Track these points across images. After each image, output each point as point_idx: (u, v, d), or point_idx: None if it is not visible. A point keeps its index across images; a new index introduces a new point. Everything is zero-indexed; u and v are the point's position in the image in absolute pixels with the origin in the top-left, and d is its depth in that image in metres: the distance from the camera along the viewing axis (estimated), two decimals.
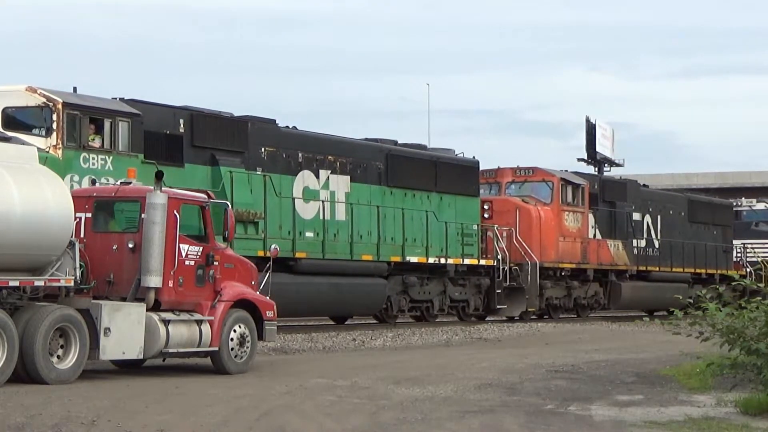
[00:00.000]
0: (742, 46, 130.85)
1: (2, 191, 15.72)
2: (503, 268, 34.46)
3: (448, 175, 33.02)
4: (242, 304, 19.06)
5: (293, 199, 27.75)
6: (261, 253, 25.18)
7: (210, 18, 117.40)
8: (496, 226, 34.91)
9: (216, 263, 18.62)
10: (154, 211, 17.60)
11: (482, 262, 33.98)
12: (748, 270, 46.37)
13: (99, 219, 18.17)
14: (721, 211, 47.89)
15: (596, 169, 51.97)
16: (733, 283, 22.49)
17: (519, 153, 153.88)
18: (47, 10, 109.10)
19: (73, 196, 16.94)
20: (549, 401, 15.82)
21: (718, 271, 45.49)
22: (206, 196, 19.10)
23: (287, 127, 28.61)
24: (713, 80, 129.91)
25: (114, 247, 17.83)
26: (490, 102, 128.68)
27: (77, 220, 17.31)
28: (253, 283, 19.58)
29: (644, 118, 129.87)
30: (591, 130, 52.38)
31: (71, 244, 16.68)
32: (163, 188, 17.89)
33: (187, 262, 18.18)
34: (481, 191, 35.93)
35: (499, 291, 34.37)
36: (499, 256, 34.48)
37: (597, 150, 53.17)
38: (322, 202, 28.65)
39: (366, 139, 31.42)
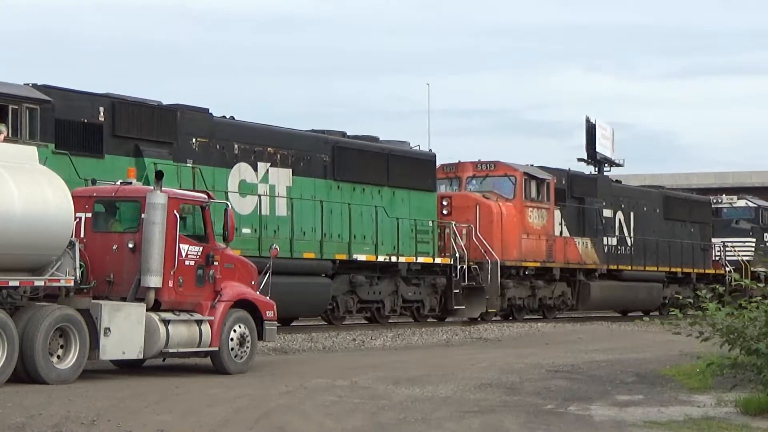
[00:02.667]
0: (741, 47, 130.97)
1: (2, 191, 15.72)
2: (461, 267, 32.64)
3: (402, 168, 31.31)
4: (242, 304, 19.07)
5: (227, 193, 25.82)
6: None
7: (208, 18, 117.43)
8: (453, 222, 33.16)
9: (216, 263, 18.63)
10: (154, 211, 17.60)
11: (438, 260, 32.23)
12: (727, 269, 44.93)
13: (99, 219, 18.17)
14: (698, 207, 46.07)
15: (596, 169, 51.89)
16: (734, 284, 22.43)
17: (518, 153, 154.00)
18: (46, 9, 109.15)
19: (73, 196, 16.94)
20: (549, 401, 15.82)
21: (695, 270, 44.16)
22: (206, 196, 19.12)
23: (224, 117, 27.00)
24: (712, 80, 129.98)
25: (114, 247, 17.83)
26: (489, 102, 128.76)
27: (77, 220, 17.32)
28: (253, 283, 19.60)
29: (643, 118, 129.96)
30: (591, 130, 52.23)
31: (71, 244, 16.68)
32: (163, 188, 17.91)
33: (187, 262, 18.19)
34: (442, 187, 34.62)
35: (456, 291, 32.54)
36: (457, 255, 32.71)
37: (597, 150, 53.03)
38: (260, 196, 26.98)
39: (312, 131, 29.67)
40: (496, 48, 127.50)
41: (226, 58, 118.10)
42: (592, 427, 13.69)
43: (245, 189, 26.76)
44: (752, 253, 46.84)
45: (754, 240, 47.79)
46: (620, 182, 44.33)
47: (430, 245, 32.20)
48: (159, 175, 18.26)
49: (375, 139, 31.47)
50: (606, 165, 51.97)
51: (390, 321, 31.51)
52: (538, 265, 35.91)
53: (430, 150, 33.32)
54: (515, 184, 35.25)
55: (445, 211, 33.73)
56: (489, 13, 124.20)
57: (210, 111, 26.50)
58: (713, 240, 46.56)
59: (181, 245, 18.05)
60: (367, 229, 29.97)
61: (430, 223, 32.32)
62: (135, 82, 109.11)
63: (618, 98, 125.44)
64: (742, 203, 49.43)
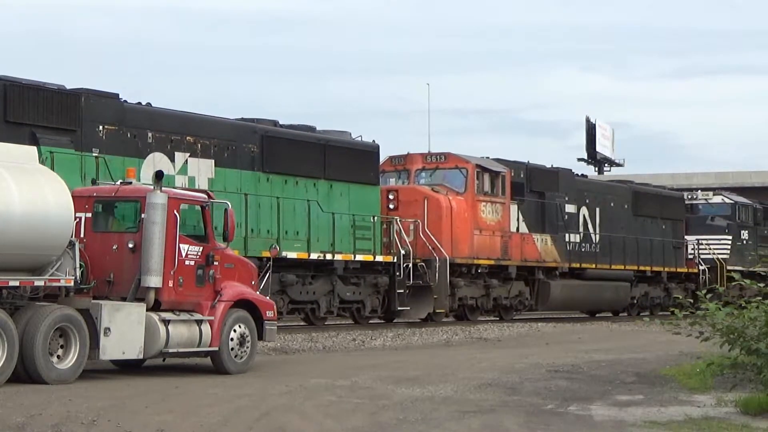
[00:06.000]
0: (739, 47, 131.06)
1: (2, 191, 15.72)
2: (406, 265, 30.85)
3: (341, 160, 29.29)
4: (242, 304, 19.07)
5: None
6: None
7: (208, 18, 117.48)
8: (397, 218, 31.36)
9: (216, 263, 18.63)
10: (154, 211, 17.60)
11: (379, 258, 30.25)
12: (701, 268, 43.83)
13: (99, 219, 18.18)
14: (671, 203, 44.21)
15: (596, 169, 51.79)
16: (733, 283, 22.32)
17: (518, 153, 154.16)
18: (45, 9, 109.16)
19: (73, 196, 16.95)
20: (549, 401, 15.82)
21: (666, 269, 42.67)
22: (206, 196, 19.14)
23: (139, 103, 25.26)
24: (711, 80, 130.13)
25: (114, 247, 17.83)
26: (487, 102, 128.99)
27: (77, 220, 17.32)
28: (253, 283, 19.61)
29: (643, 118, 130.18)
30: (591, 130, 52.13)
31: (71, 244, 16.68)
32: (163, 188, 17.91)
33: (187, 262, 18.18)
34: (390, 180, 33.22)
35: (401, 291, 30.76)
36: (403, 252, 30.88)
37: (597, 150, 52.87)
38: None
39: (240, 119, 27.80)
40: (496, 48, 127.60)
41: (225, 59, 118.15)
42: (592, 427, 13.69)
43: None
44: (728, 252, 45.42)
45: (730, 237, 46.14)
46: (586, 176, 42.42)
47: (372, 242, 30.26)
48: (159, 174, 18.27)
49: (311, 128, 29.58)
50: (606, 164, 51.81)
51: (327, 323, 30.20)
52: (492, 262, 34.00)
53: (373, 141, 31.31)
54: (467, 177, 33.33)
55: (391, 206, 31.90)
56: (489, 13, 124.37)
57: (120, 96, 24.73)
58: (687, 237, 44.75)
59: (181, 245, 18.05)
60: (300, 224, 28.19)
61: (373, 219, 30.35)
62: (133, 82, 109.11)
63: (617, 98, 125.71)
64: (718, 199, 47.54)
